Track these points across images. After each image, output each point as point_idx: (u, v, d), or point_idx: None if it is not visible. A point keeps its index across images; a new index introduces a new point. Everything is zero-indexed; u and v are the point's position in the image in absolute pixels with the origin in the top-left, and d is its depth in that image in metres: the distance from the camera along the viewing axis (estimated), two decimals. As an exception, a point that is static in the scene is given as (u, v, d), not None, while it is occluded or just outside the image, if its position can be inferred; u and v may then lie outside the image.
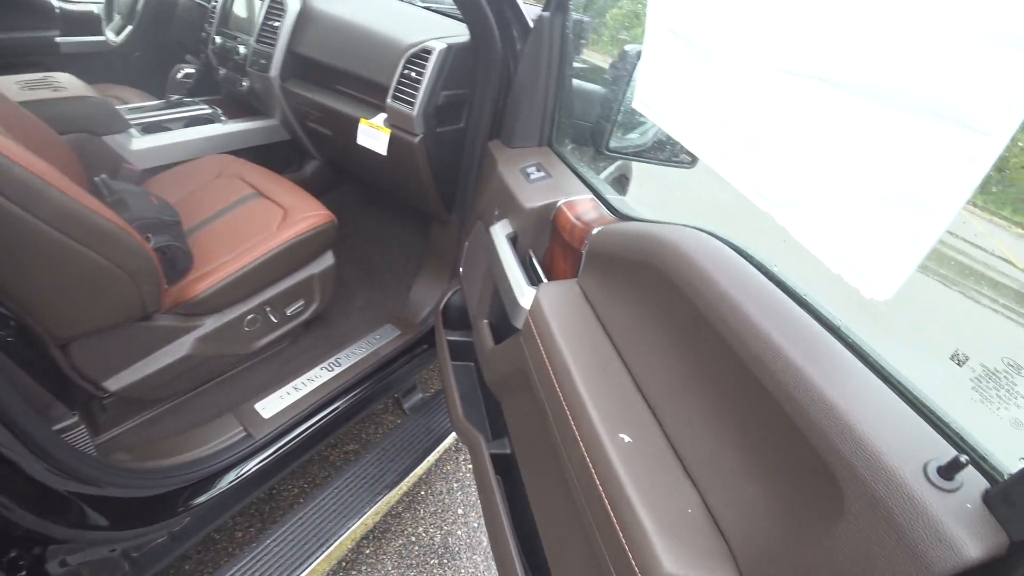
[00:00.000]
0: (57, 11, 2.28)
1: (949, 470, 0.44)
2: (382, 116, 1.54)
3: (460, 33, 1.53)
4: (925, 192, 0.46)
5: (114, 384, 1.20)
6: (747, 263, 0.72)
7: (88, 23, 2.37)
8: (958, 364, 0.58)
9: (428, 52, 1.44)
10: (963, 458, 0.44)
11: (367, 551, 1.66)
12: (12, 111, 1.28)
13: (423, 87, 1.43)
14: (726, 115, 0.69)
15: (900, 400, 0.53)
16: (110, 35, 2.18)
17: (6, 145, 0.88)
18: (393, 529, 1.73)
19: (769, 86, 0.61)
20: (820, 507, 0.51)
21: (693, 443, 0.68)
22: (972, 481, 0.45)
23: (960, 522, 0.42)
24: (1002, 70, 0.40)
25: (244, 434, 1.33)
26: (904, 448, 0.47)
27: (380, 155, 1.56)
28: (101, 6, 2.33)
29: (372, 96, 1.64)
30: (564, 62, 1.32)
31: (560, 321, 0.90)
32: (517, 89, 1.35)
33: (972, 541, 0.41)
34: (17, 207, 0.88)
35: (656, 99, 0.86)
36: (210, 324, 1.32)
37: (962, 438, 0.50)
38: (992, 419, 0.55)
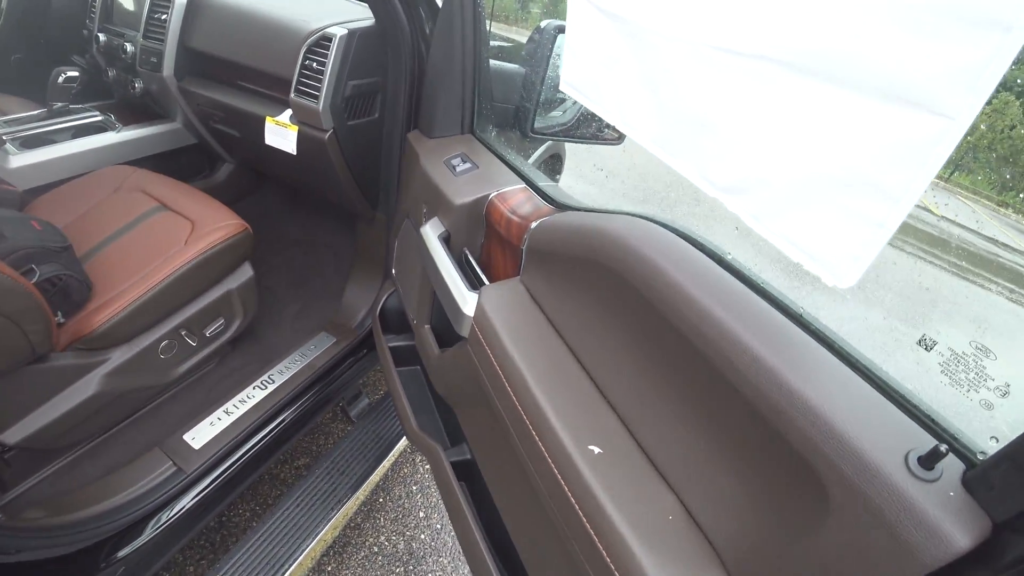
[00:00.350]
0: (-92, 14, 2.01)
1: (930, 460, 0.44)
2: (288, 112, 1.43)
3: (364, 16, 1.43)
4: (885, 177, 0.44)
5: (12, 437, 1.08)
6: (698, 252, 0.68)
7: (-51, 27, 2.11)
8: (926, 349, 0.58)
9: (328, 39, 1.34)
10: (943, 447, 0.43)
11: (329, 568, 1.60)
12: None
13: (327, 78, 1.33)
14: (664, 97, 0.65)
15: (871, 388, 0.52)
16: (-26, 39, 1.94)
17: None
18: (354, 542, 1.67)
19: (711, 66, 0.57)
20: (804, 505, 0.50)
21: (665, 446, 0.66)
22: (951, 466, 0.45)
23: (946, 512, 0.42)
24: (963, 50, 0.37)
25: (174, 469, 1.24)
26: (883, 440, 0.47)
27: (291, 155, 1.45)
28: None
29: (277, 91, 1.52)
30: (479, 41, 1.24)
31: (508, 327, 0.85)
32: (431, 74, 1.26)
33: (960, 531, 0.41)
34: None
35: (584, 81, 0.82)
36: (118, 357, 1.21)
37: (934, 421, 0.50)
38: (961, 399, 0.54)
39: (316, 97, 1.35)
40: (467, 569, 1.68)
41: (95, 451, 1.27)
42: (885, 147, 0.43)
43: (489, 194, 1.06)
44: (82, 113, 1.81)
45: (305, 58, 1.36)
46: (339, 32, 1.33)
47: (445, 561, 1.68)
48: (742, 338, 0.55)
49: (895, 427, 0.49)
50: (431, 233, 1.11)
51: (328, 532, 1.45)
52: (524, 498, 0.87)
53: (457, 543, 1.73)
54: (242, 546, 1.34)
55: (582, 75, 0.82)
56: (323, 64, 1.33)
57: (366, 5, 1.56)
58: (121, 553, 1.09)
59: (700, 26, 0.58)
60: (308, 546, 1.37)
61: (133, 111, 1.93)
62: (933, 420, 0.50)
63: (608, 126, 1.43)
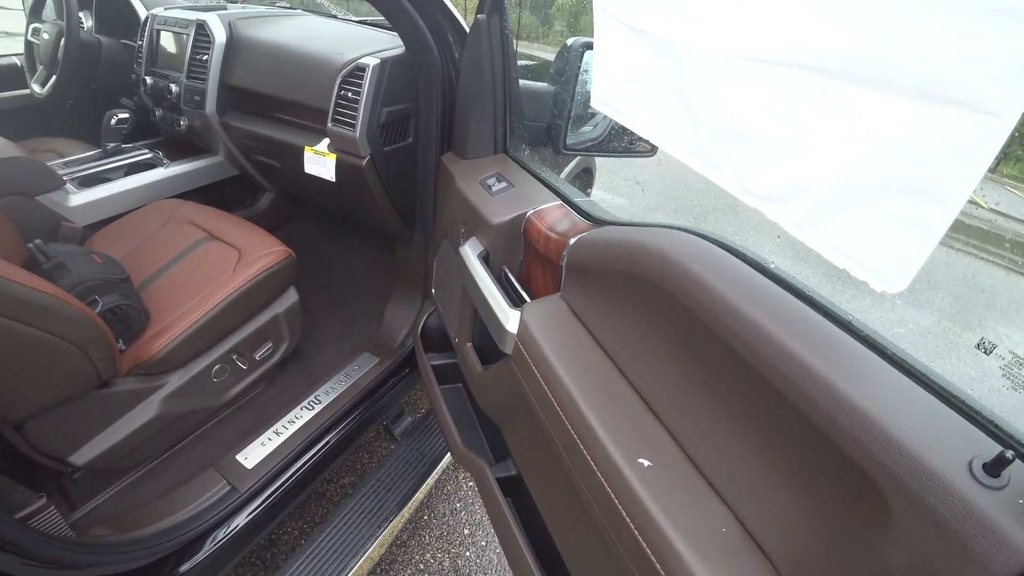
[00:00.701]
0: (-24, 68, 2.17)
1: (995, 466, 0.42)
2: (326, 141, 1.49)
3: (394, 45, 1.48)
4: (931, 179, 0.43)
5: (80, 458, 1.14)
6: (740, 262, 0.68)
7: (11, 77, 2.26)
8: (985, 352, 0.56)
9: (362, 70, 1.39)
10: (1009, 454, 0.42)
11: (376, 585, 1.61)
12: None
13: (362, 106, 1.38)
14: (698, 109, 0.65)
15: (928, 394, 0.51)
16: (35, 87, 2.07)
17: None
18: (400, 559, 1.68)
19: (743, 77, 0.57)
20: (863, 515, 0.49)
21: (715, 459, 0.65)
22: (1019, 473, 0.43)
23: (1017, 520, 0.40)
24: (1005, 46, 0.37)
25: (229, 488, 1.28)
26: (944, 447, 0.45)
27: (330, 181, 1.51)
28: (23, 57, 2.22)
29: (314, 121, 1.59)
30: (508, 64, 1.28)
31: (552, 342, 0.85)
32: (462, 98, 1.30)
33: None
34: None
35: (615, 97, 0.82)
36: (175, 381, 1.26)
37: (998, 427, 0.48)
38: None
39: (353, 125, 1.40)
40: (513, 586, 1.68)
41: (154, 472, 1.32)
42: (929, 148, 0.43)
43: (526, 212, 1.08)
44: (133, 151, 1.92)
45: (340, 88, 1.42)
46: (372, 62, 1.39)
47: (491, 578, 1.68)
48: (791, 348, 0.54)
49: (956, 433, 0.47)
50: (470, 252, 1.13)
51: (375, 549, 1.46)
52: (573, 512, 0.86)
53: (502, 561, 1.73)
54: (293, 563, 1.36)
55: (613, 91, 0.82)
56: (358, 93, 1.39)
57: (394, 34, 1.62)
58: (183, 568, 1.13)
59: (729, 37, 0.58)
60: (357, 563, 1.39)
61: (179, 147, 2.03)
62: (996, 426, 0.48)
63: (640, 139, 1.44)
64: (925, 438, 0.45)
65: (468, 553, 1.73)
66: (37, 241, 1.23)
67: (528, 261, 1.10)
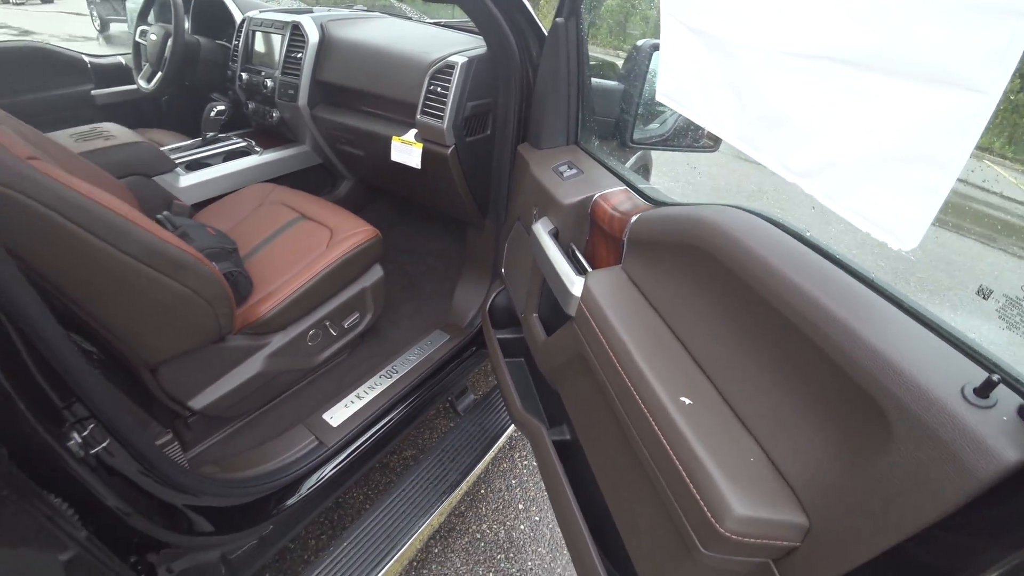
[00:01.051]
0: (89, 66, 2.41)
1: (984, 389, 0.49)
2: (413, 131, 1.62)
3: (477, 46, 1.60)
4: (935, 149, 0.52)
5: (198, 403, 1.29)
6: (781, 232, 0.77)
7: (118, 74, 2.50)
8: (983, 297, 0.63)
9: (451, 67, 1.52)
10: (995, 377, 0.49)
11: (435, 550, 1.72)
12: (78, 162, 1.38)
13: (450, 100, 1.50)
14: (747, 99, 0.75)
15: (934, 336, 0.58)
16: (142, 83, 2.29)
17: (95, 191, 0.96)
18: (458, 528, 1.79)
19: (784, 69, 0.67)
20: (871, 439, 0.56)
21: (749, 401, 0.74)
22: (1006, 398, 0.50)
23: (998, 432, 0.47)
24: (988, 35, 0.46)
25: (316, 443, 1.41)
26: (942, 376, 0.52)
27: (414, 169, 1.64)
28: (128, 57, 2.45)
29: (399, 114, 1.72)
30: (582, 63, 1.38)
31: (612, 304, 0.96)
32: (540, 94, 1.41)
33: (1010, 447, 0.46)
34: (109, 245, 0.97)
35: (677, 90, 0.92)
36: (277, 341, 1.40)
37: (993, 362, 0.55)
38: (1018, 340, 0.60)
39: (441, 117, 1.52)
40: (565, 559, 1.76)
41: (253, 423, 1.47)
42: (932, 122, 0.51)
43: (593, 195, 1.18)
44: (229, 140, 2.11)
45: (430, 83, 1.55)
46: (460, 60, 1.51)
47: (543, 551, 1.76)
48: (827, 305, 0.63)
49: (954, 366, 0.54)
50: (542, 229, 1.24)
51: (435, 517, 1.55)
52: (621, 463, 0.96)
53: (555, 535, 1.81)
54: (360, 523, 1.47)
55: (675, 85, 0.92)
56: (447, 88, 1.51)
57: (469, 36, 1.75)
58: (286, 504, 1.26)
59: (773, 35, 0.68)
60: (419, 528, 1.49)
61: (269, 137, 2.21)
62: (991, 361, 0.55)
63: (704, 136, 1.53)
64: (927, 370, 0.53)
65: (522, 526, 1.82)
66: (166, 212, 1.40)
67: (593, 239, 1.20)
